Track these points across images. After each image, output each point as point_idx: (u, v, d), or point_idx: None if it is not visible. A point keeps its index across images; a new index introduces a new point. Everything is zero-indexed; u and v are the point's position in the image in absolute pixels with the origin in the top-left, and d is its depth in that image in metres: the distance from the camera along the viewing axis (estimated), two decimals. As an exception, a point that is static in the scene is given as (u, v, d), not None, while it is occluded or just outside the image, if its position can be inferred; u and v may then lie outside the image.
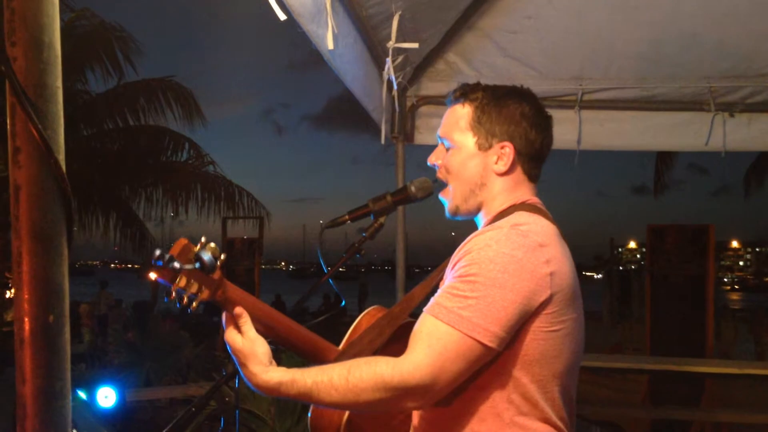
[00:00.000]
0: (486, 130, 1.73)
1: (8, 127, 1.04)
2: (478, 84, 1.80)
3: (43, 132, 1.02)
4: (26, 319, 1.04)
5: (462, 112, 1.77)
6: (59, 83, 1.07)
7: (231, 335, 1.52)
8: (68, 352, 1.07)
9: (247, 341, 1.51)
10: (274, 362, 1.53)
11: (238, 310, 1.52)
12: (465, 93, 1.78)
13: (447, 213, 1.81)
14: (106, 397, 5.09)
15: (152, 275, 1.30)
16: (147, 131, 12.53)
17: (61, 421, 1.06)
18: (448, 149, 1.78)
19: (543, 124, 1.76)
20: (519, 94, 1.77)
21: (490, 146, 1.73)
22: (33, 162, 1.05)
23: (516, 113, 1.73)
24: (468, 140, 1.74)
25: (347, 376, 1.47)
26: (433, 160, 1.82)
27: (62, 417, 1.07)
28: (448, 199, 1.79)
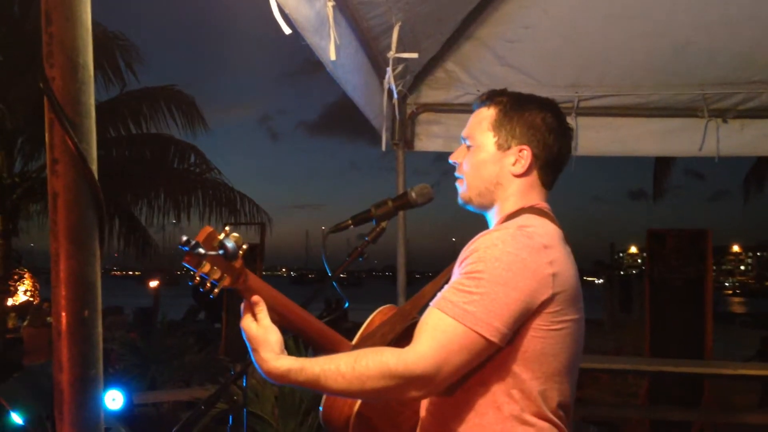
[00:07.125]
0: (507, 131, 1.80)
1: (47, 140, 1.14)
2: (504, 89, 1.88)
3: (79, 145, 1.13)
4: (63, 314, 1.14)
5: (486, 114, 1.84)
6: (92, 100, 1.18)
7: (246, 322, 1.62)
8: (101, 344, 1.18)
9: (260, 328, 1.60)
10: (285, 351, 1.61)
11: (255, 298, 1.61)
12: (491, 96, 1.86)
13: (459, 200, 1.87)
14: (114, 399, 5.18)
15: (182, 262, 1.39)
16: (151, 139, 12.59)
17: (94, 406, 1.17)
18: (469, 148, 1.85)
19: (562, 132, 1.83)
20: (542, 102, 1.85)
21: (509, 147, 1.79)
22: (69, 172, 1.15)
23: (537, 118, 1.80)
24: (489, 140, 1.81)
25: (354, 365, 1.53)
26: (453, 158, 1.89)
27: (95, 402, 1.17)
28: (463, 189, 1.86)
